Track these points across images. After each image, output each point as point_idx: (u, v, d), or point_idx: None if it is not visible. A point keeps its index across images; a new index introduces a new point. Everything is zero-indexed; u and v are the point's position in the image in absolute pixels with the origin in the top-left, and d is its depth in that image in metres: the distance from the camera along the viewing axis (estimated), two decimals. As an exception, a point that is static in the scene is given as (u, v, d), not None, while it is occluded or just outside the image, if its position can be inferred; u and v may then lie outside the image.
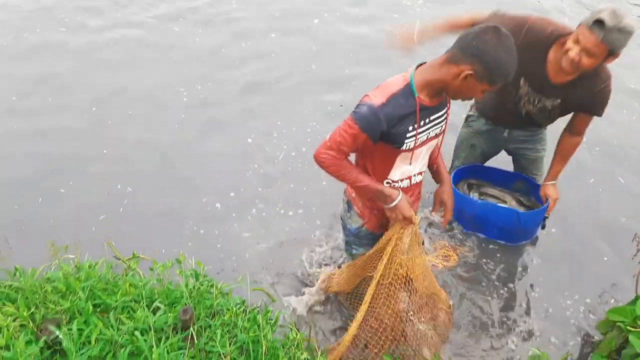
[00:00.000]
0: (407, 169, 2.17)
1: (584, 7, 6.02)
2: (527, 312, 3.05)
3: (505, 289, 3.16)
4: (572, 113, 2.84)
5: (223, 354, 2.03)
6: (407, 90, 1.95)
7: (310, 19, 5.88)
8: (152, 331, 1.98)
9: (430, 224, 3.45)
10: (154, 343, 1.94)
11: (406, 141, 2.01)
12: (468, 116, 3.24)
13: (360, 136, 1.96)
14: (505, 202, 3.33)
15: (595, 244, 3.47)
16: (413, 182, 2.23)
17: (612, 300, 3.11)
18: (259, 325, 2.18)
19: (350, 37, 5.59)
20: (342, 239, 3.23)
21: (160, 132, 4.19)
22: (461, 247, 3.33)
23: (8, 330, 1.89)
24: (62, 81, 4.64)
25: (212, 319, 2.19)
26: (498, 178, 3.38)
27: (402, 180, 2.19)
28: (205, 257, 3.13)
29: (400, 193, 2.12)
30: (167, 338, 2.00)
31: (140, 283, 2.25)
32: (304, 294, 2.99)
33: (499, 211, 3.20)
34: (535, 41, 2.58)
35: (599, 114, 2.72)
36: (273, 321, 2.27)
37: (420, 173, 2.26)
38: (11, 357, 1.76)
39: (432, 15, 6.06)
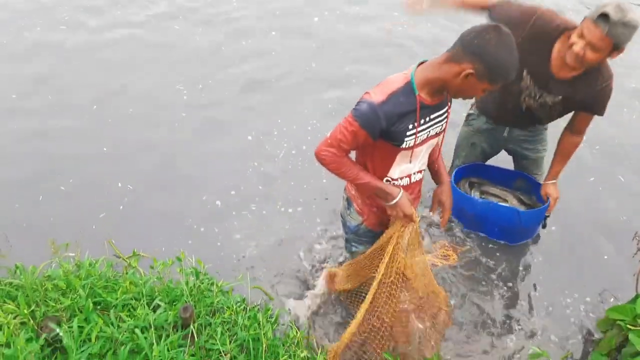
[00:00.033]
0: (407, 167, 2.17)
1: (586, 6, 6.02)
2: (527, 311, 3.05)
3: (505, 287, 3.16)
4: (573, 112, 2.84)
5: (223, 351, 2.03)
6: (408, 88, 1.95)
7: (310, 17, 5.88)
8: (153, 329, 1.99)
9: (430, 224, 3.45)
10: (154, 341, 1.94)
11: (406, 139, 2.01)
12: (468, 115, 3.24)
13: (360, 133, 1.96)
14: (506, 201, 3.33)
15: (595, 242, 3.47)
16: (413, 180, 2.23)
17: (612, 299, 3.12)
18: (259, 323, 2.18)
19: (351, 35, 5.59)
20: (342, 237, 3.26)
21: (160, 130, 4.19)
22: (461, 247, 3.33)
23: (8, 327, 1.89)
24: (62, 80, 4.63)
25: (212, 317, 2.20)
26: (499, 177, 3.38)
27: (401, 179, 2.19)
28: (205, 255, 3.14)
29: (401, 191, 2.13)
30: (168, 336, 2.01)
31: (140, 281, 2.26)
32: (306, 296, 2.98)
33: (499, 210, 3.20)
34: (541, 32, 2.57)
35: (600, 113, 2.72)
36: (273, 319, 2.28)
37: (420, 171, 2.26)
38: (12, 354, 1.76)
39: (432, 14, 6.06)
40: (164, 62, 4.99)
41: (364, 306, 2.33)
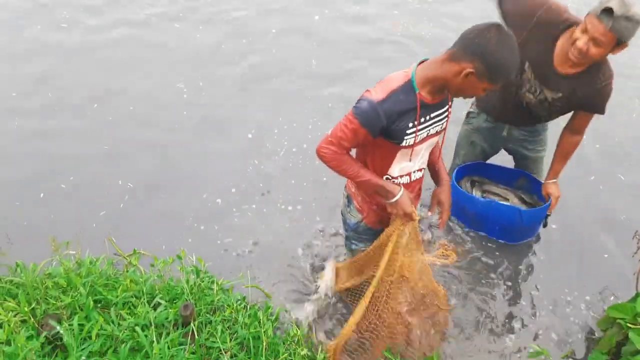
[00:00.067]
0: (407, 165, 2.17)
1: (588, 6, 6.02)
2: (527, 310, 3.05)
3: (505, 286, 3.16)
4: (572, 112, 2.84)
5: (223, 349, 2.04)
6: (408, 87, 1.94)
7: (310, 15, 5.88)
8: (153, 327, 1.99)
9: (430, 224, 3.45)
10: (154, 339, 1.94)
11: (406, 138, 2.01)
12: (468, 113, 3.24)
13: (360, 131, 1.96)
14: (507, 199, 3.32)
15: (596, 241, 3.47)
16: (413, 178, 2.23)
17: (612, 298, 3.12)
18: (259, 322, 2.19)
19: (351, 33, 5.58)
20: (342, 234, 3.25)
21: (160, 128, 4.19)
22: (461, 247, 3.33)
23: (9, 325, 1.89)
24: (62, 80, 4.62)
25: (212, 315, 2.20)
26: (501, 175, 3.38)
27: (401, 177, 2.19)
28: (205, 253, 3.14)
29: (402, 189, 2.13)
30: (168, 334, 2.01)
31: (141, 279, 2.26)
32: (309, 300, 2.98)
33: (501, 209, 3.19)
34: (548, 25, 2.57)
35: (601, 112, 2.72)
36: (274, 317, 2.28)
37: (421, 170, 2.26)
38: (12, 352, 1.77)
39: (433, 12, 6.06)
40: (164, 60, 4.99)
41: (363, 303, 2.33)
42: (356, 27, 5.72)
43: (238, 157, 3.96)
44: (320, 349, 2.39)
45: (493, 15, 2.69)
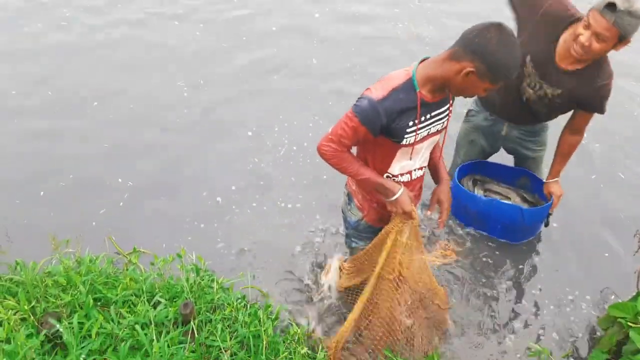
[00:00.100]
0: (408, 163, 2.16)
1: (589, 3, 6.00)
2: (528, 309, 3.05)
3: (505, 286, 3.16)
4: (572, 111, 2.83)
5: (223, 348, 2.03)
6: (409, 85, 1.94)
7: (310, 13, 5.87)
8: (153, 325, 1.99)
9: (430, 223, 3.45)
10: (154, 337, 1.94)
11: (406, 136, 2.00)
12: (468, 111, 3.23)
13: (360, 129, 1.96)
14: (509, 198, 3.32)
15: (596, 240, 3.47)
16: (414, 176, 2.23)
17: (613, 297, 3.11)
18: (259, 320, 2.18)
19: (352, 31, 5.58)
20: (342, 232, 3.25)
21: (160, 127, 4.18)
22: (461, 246, 3.33)
23: (9, 323, 1.90)
24: (62, 80, 4.61)
25: (212, 314, 2.20)
26: (503, 174, 3.37)
27: (402, 175, 2.19)
28: (205, 251, 3.14)
29: (402, 187, 2.12)
30: (168, 332, 2.01)
31: (141, 277, 2.26)
32: (309, 298, 2.98)
33: (503, 208, 3.19)
34: (554, 18, 2.57)
35: (600, 111, 2.71)
36: (274, 316, 2.28)
37: (422, 168, 2.25)
38: (12, 350, 1.77)
39: (433, 10, 6.05)
40: (164, 61, 4.98)
41: (362, 300, 2.33)
42: (357, 25, 5.71)
43: (238, 156, 3.95)
44: (320, 348, 2.39)
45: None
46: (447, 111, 2.08)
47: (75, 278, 2.12)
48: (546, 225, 3.30)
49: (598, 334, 2.88)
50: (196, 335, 2.04)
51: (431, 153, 2.28)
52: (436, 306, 2.67)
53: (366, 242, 2.43)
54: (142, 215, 3.43)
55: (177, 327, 2.06)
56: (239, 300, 2.32)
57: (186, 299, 2.18)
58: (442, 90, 1.97)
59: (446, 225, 3.44)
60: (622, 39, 2.40)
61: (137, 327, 1.95)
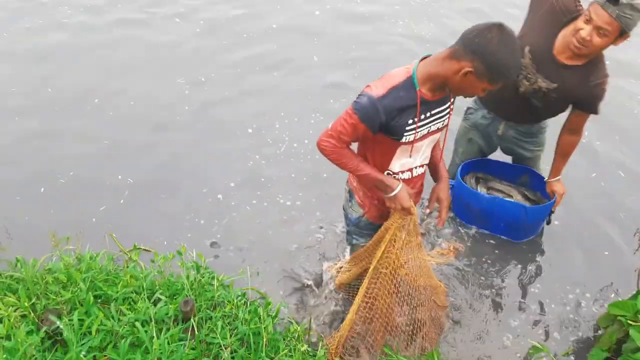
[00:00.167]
0: (408, 161, 2.16)
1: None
2: (528, 307, 3.05)
3: (506, 284, 3.16)
4: (569, 112, 2.83)
5: (224, 345, 2.03)
6: (409, 83, 1.93)
7: (311, 11, 5.86)
8: (153, 322, 1.99)
9: (429, 222, 3.45)
10: (154, 334, 1.94)
11: (405, 134, 2.00)
12: (467, 108, 3.23)
13: (359, 126, 1.96)
14: (511, 196, 3.32)
15: (597, 238, 3.47)
16: (415, 174, 2.23)
17: (613, 295, 3.12)
18: (259, 318, 2.18)
19: (352, 29, 5.57)
20: (342, 229, 3.25)
21: (161, 124, 4.18)
22: (461, 244, 3.33)
23: (9, 320, 1.90)
24: (62, 79, 4.59)
25: (213, 311, 2.20)
26: (505, 172, 3.37)
27: (403, 172, 2.19)
28: (206, 248, 3.17)
29: (401, 183, 2.13)
30: (168, 329, 2.01)
31: (141, 274, 2.26)
32: (310, 295, 2.98)
33: (506, 206, 3.19)
34: (561, 9, 2.57)
35: (594, 111, 2.71)
36: (274, 314, 2.28)
37: (422, 165, 2.25)
38: (12, 346, 1.77)
39: (433, 8, 6.04)
40: (164, 59, 4.97)
41: (361, 292, 2.34)
42: (357, 22, 5.71)
43: (238, 153, 3.95)
44: (320, 345, 2.40)
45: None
46: (448, 109, 2.07)
47: (76, 275, 2.12)
48: (548, 223, 3.31)
49: (598, 332, 2.88)
50: (196, 332, 2.04)
51: (432, 150, 2.28)
52: (435, 303, 2.68)
53: (367, 239, 2.43)
54: (142, 213, 3.43)
55: (178, 324, 2.06)
56: (239, 298, 2.33)
57: (186, 296, 2.18)
58: (443, 89, 1.97)
59: (447, 224, 3.44)
60: (622, 34, 2.41)
61: (138, 324, 1.95)
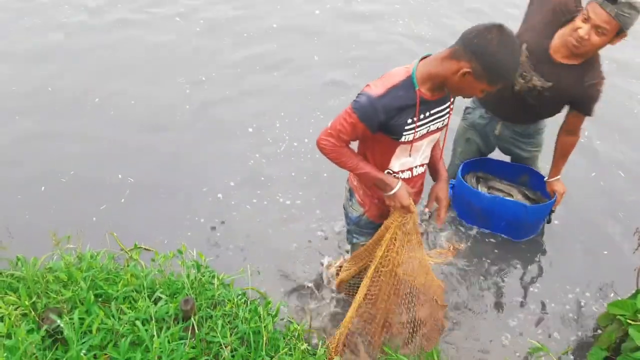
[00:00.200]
0: (407, 160, 2.16)
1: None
2: (528, 306, 3.05)
3: (505, 283, 3.17)
4: (566, 113, 2.83)
5: (224, 344, 2.04)
6: (408, 83, 1.93)
7: (311, 10, 5.86)
8: (153, 321, 1.99)
9: (429, 221, 3.45)
10: (155, 333, 1.94)
11: (405, 133, 2.00)
12: (465, 108, 3.24)
13: (358, 125, 1.97)
14: (511, 195, 3.32)
15: (596, 238, 3.47)
16: (415, 173, 2.23)
17: (613, 294, 3.12)
18: (260, 316, 2.19)
19: (352, 28, 5.57)
20: (342, 228, 3.26)
21: (161, 123, 4.19)
22: (460, 243, 3.33)
23: (10, 318, 1.90)
24: (63, 79, 4.60)
25: (213, 310, 2.20)
26: (505, 171, 3.38)
27: (403, 172, 2.19)
28: (206, 247, 3.17)
29: (400, 182, 2.13)
30: (168, 328, 2.01)
31: (141, 273, 2.26)
32: (311, 294, 2.98)
33: (507, 204, 3.20)
34: (561, 9, 2.58)
35: (587, 113, 2.71)
36: (274, 312, 2.28)
37: (423, 165, 2.26)
38: (13, 345, 1.77)
39: (433, 7, 6.04)
40: (164, 59, 4.97)
41: (360, 294, 2.34)
42: (357, 22, 5.71)
43: (239, 152, 3.96)
44: (320, 343, 2.40)
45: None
46: (448, 109, 2.08)
47: (76, 274, 2.12)
48: (548, 222, 3.31)
49: (598, 331, 2.89)
50: (196, 331, 2.04)
51: (432, 150, 2.28)
52: (434, 302, 2.68)
53: (367, 238, 2.44)
54: (142, 212, 3.43)
55: (178, 323, 2.06)
56: (240, 297, 2.33)
57: (187, 295, 2.18)
58: (442, 89, 1.96)
59: (448, 223, 3.44)
60: (620, 32, 2.41)
61: (138, 322, 1.95)
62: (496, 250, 3.32)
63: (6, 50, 4.95)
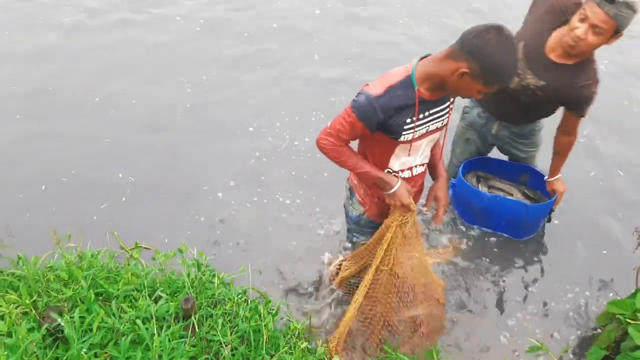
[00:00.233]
0: (407, 160, 2.17)
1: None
2: (527, 305, 3.06)
3: (504, 282, 3.17)
4: (563, 113, 2.83)
5: (224, 342, 2.04)
6: (407, 82, 1.94)
7: (311, 10, 5.87)
8: (154, 320, 2.00)
9: (428, 220, 3.46)
10: (155, 331, 1.95)
11: (404, 133, 2.01)
12: (464, 107, 3.24)
13: (357, 125, 1.97)
14: (511, 195, 3.32)
15: (596, 237, 3.47)
16: (415, 173, 2.24)
17: (612, 293, 3.12)
18: (260, 315, 2.19)
19: (353, 28, 5.58)
20: (342, 227, 3.26)
21: (162, 123, 4.19)
22: (459, 242, 3.34)
23: (10, 317, 1.90)
24: (63, 79, 4.60)
25: (213, 309, 2.20)
26: (505, 170, 3.38)
27: (403, 171, 2.19)
28: (206, 246, 3.17)
29: (400, 180, 2.14)
30: (169, 327, 2.02)
31: (142, 272, 2.27)
32: (310, 293, 2.99)
33: (507, 204, 3.20)
34: (561, 9, 2.58)
35: (580, 113, 2.71)
36: (274, 311, 2.29)
37: (423, 164, 2.26)
38: (13, 343, 1.77)
39: (433, 7, 6.04)
40: (164, 59, 4.97)
41: (361, 293, 2.34)
42: (358, 22, 5.71)
43: (239, 151, 3.96)
44: (320, 342, 2.40)
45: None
46: (447, 109, 2.08)
47: (77, 273, 2.12)
48: (548, 221, 3.32)
49: (597, 330, 2.89)
50: (197, 329, 2.05)
51: (432, 149, 2.29)
52: (434, 301, 2.68)
53: (367, 237, 2.44)
54: (143, 211, 3.44)
55: (178, 321, 2.07)
56: (240, 296, 2.33)
57: (187, 293, 2.18)
58: (441, 89, 1.96)
59: (448, 223, 3.44)
60: (617, 32, 2.41)
61: (138, 321, 1.96)
62: (496, 250, 3.33)
63: (6, 50, 4.95)
